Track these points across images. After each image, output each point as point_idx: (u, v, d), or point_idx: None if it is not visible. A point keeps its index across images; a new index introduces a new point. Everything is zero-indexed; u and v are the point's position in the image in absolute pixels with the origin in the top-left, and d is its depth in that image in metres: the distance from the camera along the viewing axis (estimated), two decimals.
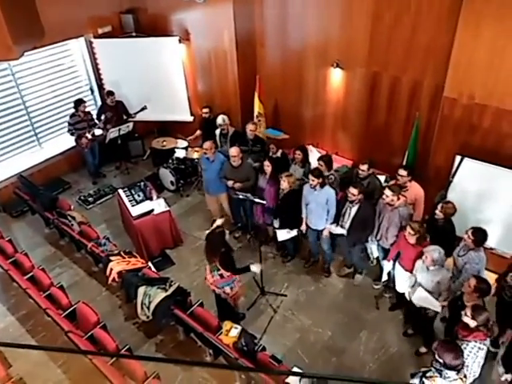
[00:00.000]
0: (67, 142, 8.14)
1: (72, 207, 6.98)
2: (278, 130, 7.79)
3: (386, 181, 6.21)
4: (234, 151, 6.00)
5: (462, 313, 3.84)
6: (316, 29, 6.65)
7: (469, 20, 4.96)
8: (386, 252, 5.42)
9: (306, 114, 7.47)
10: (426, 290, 4.59)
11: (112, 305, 5.87)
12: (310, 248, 6.23)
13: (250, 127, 6.62)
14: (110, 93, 7.91)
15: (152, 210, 6.34)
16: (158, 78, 8.22)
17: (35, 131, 8.08)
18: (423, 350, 5.06)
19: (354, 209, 5.33)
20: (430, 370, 3.60)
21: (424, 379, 3.64)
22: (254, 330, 5.22)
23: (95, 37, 8.13)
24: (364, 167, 5.57)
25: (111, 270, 5.50)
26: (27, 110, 7.85)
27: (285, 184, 5.58)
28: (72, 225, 6.40)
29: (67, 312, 5.06)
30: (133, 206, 6.46)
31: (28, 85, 7.74)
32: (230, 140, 6.98)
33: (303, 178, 6.00)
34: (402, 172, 5.33)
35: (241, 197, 5.70)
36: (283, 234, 5.90)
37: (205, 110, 7.52)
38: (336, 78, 6.74)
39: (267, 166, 5.85)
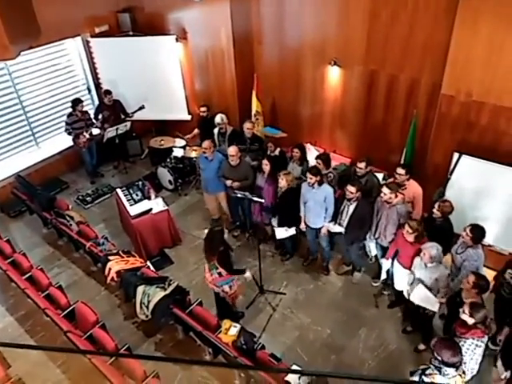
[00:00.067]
0: (65, 141, 8.12)
1: (70, 207, 6.97)
2: (276, 128, 7.79)
3: (384, 178, 6.22)
4: (232, 150, 5.99)
5: (460, 310, 3.85)
6: (313, 27, 6.64)
7: (466, 17, 4.97)
8: (384, 250, 5.43)
9: (303, 112, 7.47)
10: (425, 286, 4.60)
11: (111, 304, 5.86)
12: (309, 246, 6.23)
13: (247, 125, 6.62)
14: (108, 92, 7.89)
15: (150, 210, 6.33)
16: (155, 76, 8.20)
17: (32, 131, 8.06)
18: (422, 347, 5.07)
19: (352, 207, 5.33)
20: (429, 368, 3.61)
21: (423, 377, 3.65)
22: (253, 328, 5.23)
23: (92, 36, 8.10)
24: (362, 165, 5.58)
25: (110, 269, 5.49)
26: (24, 109, 7.82)
27: (283, 182, 5.58)
28: (70, 225, 6.40)
29: (66, 312, 5.06)
30: (131, 205, 6.45)
31: (25, 84, 7.72)
32: (228, 139, 6.98)
33: (301, 176, 6.01)
34: (400, 171, 5.34)
35: (239, 195, 5.70)
36: (281, 232, 5.91)
37: (202, 109, 7.51)
38: (333, 76, 6.74)
39: (265, 165, 5.85)
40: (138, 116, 8.11)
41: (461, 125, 5.51)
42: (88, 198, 7.77)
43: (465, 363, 3.73)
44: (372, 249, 5.69)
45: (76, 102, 7.56)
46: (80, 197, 7.83)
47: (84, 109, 7.81)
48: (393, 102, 6.33)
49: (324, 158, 5.92)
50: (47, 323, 5.22)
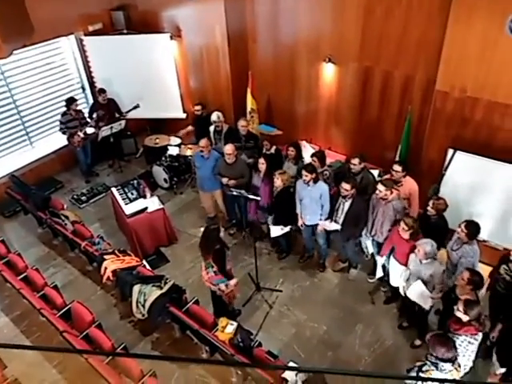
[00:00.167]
0: (59, 140, 8.08)
1: (65, 206, 6.95)
2: (271, 125, 7.79)
3: (379, 175, 6.23)
4: (229, 149, 5.98)
5: (455, 307, 3.86)
6: (308, 24, 6.64)
7: (460, 13, 4.98)
8: (380, 246, 5.43)
9: (298, 109, 7.47)
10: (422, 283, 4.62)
11: (107, 304, 5.85)
12: (305, 243, 6.24)
13: (241, 123, 6.61)
14: (102, 90, 7.85)
15: (146, 208, 6.32)
16: (149, 75, 8.17)
17: (26, 130, 8.01)
18: (418, 342, 5.09)
19: (347, 204, 5.34)
20: (426, 364, 3.63)
21: (420, 374, 3.67)
22: (249, 326, 5.24)
23: (86, 34, 8.06)
24: (355, 161, 5.58)
25: (105, 268, 5.48)
26: (18, 109, 7.77)
27: (278, 182, 5.57)
28: (65, 224, 6.37)
29: (62, 312, 5.04)
30: (126, 204, 6.43)
31: (18, 83, 7.66)
32: (224, 137, 6.95)
33: (297, 176, 5.99)
34: (397, 167, 5.35)
35: (235, 193, 5.70)
36: (277, 231, 5.91)
37: (197, 108, 7.49)
38: (328, 73, 6.74)
39: (262, 164, 5.84)
40: (132, 114, 8.08)
41: (455, 121, 5.53)
42: (83, 198, 7.74)
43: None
44: (368, 246, 5.70)
45: (70, 101, 7.52)
46: (75, 196, 7.80)
47: (78, 108, 7.76)
48: (387, 98, 6.34)
49: (319, 155, 5.92)
50: (43, 323, 5.20)
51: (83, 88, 8.61)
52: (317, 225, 5.69)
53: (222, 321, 4.73)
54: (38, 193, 6.93)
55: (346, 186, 5.16)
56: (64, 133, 7.68)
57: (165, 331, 5.36)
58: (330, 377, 4.62)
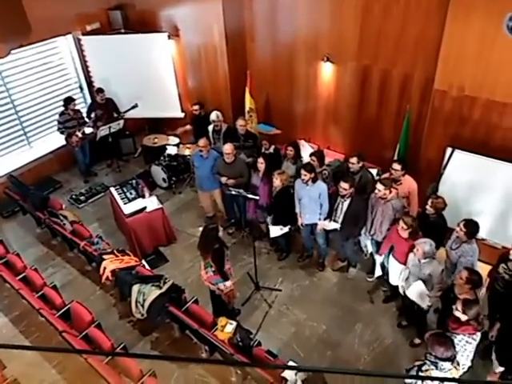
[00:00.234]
0: (57, 140, 8.07)
1: (64, 206, 6.93)
2: (270, 125, 7.78)
3: (377, 174, 6.24)
4: (228, 148, 5.97)
5: (453, 307, 3.85)
6: (306, 22, 6.64)
7: (458, 12, 4.98)
8: (379, 245, 5.43)
9: (297, 108, 7.47)
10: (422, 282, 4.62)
11: (106, 303, 5.85)
12: (304, 243, 6.24)
13: (240, 123, 6.60)
14: (100, 90, 7.84)
15: (144, 208, 6.31)
16: (147, 74, 8.16)
17: (24, 130, 7.99)
18: (417, 341, 5.10)
19: (346, 203, 5.34)
20: (425, 364, 3.63)
21: (420, 373, 3.67)
22: (249, 325, 5.24)
23: (83, 34, 8.04)
24: (353, 160, 5.58)
25: (104, 268, 5.47)
26: (16, 108, 7.75)
27: (277, 182, 5.57)
28: (64, 224, 6.36)
29: (61, 312, 5.03)
30: (125, 204, 6.42)
31: (16, 83, 7.64)
32: (223, 136, 6.94)
33: (296, 175, 5.98)
34: (396, 166, 5.35)
35: (233, 193, 5.69)
36: (276, 231, 5.90)
37: (195, 107, 7.48)
38: (327, 71, 6.74)
39: (261, 163, 5.83)
40: (130, 114, 8.06)
41: (453, 120, 5.53)
42: (81, 198, 7.73)
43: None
44: (368, 246, 5.71)
45: (68, 101, 7.51)
46: (73, 196, 7.78)
47: (76, 107, 7.74)
48: (386, 97, 6.34)
49: (318, 155, 5.92)
50: (42, 323, 5.20)
51: (81, 88, 8.59)
52: (316, 224, 5.69)
53: (222, 320, 4.73)
54: (36, 193, 6.91)
55: (344, 185, 5.16)
56: (62, 133, 7.66)
57: (164, 331, 5.36)
58: (329, 376, 4.62)
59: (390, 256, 5.14)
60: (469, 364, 3.88)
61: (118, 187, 6.73)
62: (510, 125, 5.16)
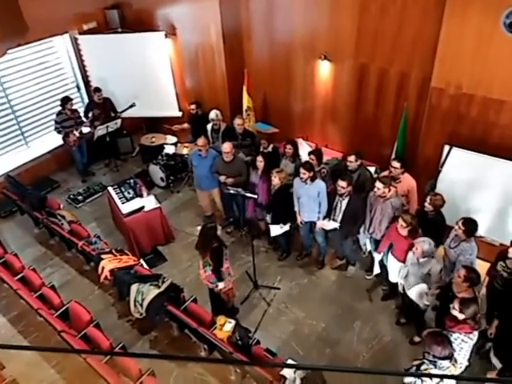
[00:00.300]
0: (55, 140, 8.05)
1: (61, 206, 6.92)
2: (268, 123, 7.77)
3: (376, 172, 6.25)
4: (226, 147, 5.97)
5: (451, 306, 3.85)
6: (303, 21, 6.63)
7: (455, 7, 4.98)
8: (377, 243, 5.43)
9: (295, 107, 7.47)
10: (418, 282, 4.63)
11: (105, 303, 5.84)
12: (302, 241, 6.24)
13: (237, 122, 6.59)
14: (97, 89, 7.82)
15: (143, 207, 6.30)
16: (145, 73, 8.15)
17: (21, 130, 7.97)
18: (417, 339, 5.09)
19: (345, 202, 5.34)
20: (423, 363, 3.63)
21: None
22: (248, 323, 5.24)
23: (80, 33, 8.02)
24: (351, 158, 5.59)
25: (103, 268, 5.47)
26: (12, 108, 7.73)
27: (276, 180, 5.57)
28: (62, 224, 6.35)
29: (60, 312, 5.03)
30: (123, 203, 6.41)
31: (13, 83, 7.62)
32: (222, 135, 6.93)
33: (294, 174, 5.98)
34: (396, 164, 5.35)
35: (232, 192, 5.69)
36: (276, 229, 5.90)
37: (192, 107, 7.47)
38: (324, 70, 6.74)
39: (260, 162, 5.83)
40: (128, 113, 8.05)
41: (451, 117, 5.54)
42: (79, 197, 7.72)
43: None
44: (367, 243, 5.72)
45: (65, 101, 7.50)
46: (71, 196, 7.77)
47: (74, 107, 7.73)
48: (383, 95, 6.34)
49: (317, 153, 5.93)
50: (41, 323, 5.19)
51: (78, 87, 8.57)
52: (314, 222, 5.69)
53: (221, 319, 4.73)
54: (34, 193, 6.90)
55: (342, 183, 5.16)
56: (59, 132, 7.65)
57: (163, 330, 5.36)
58: (328, 373, 4.63)
59: (389, 254, 5.14)
60: (466, 363, 3.88)
61: (115, 187, 6.73)
62: (507, 122, 5.17)
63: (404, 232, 4.74)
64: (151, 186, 7.72)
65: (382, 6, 5.76)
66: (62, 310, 5.04)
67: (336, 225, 5.51)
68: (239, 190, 5.63)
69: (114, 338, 4.75)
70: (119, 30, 8.26)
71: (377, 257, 5.38)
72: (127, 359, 4.32)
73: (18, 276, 5.54)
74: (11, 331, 5.49)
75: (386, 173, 5.59)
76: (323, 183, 5.50)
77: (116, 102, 8.11)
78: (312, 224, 5.77)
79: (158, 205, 6.46)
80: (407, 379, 3.74)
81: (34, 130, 8.14)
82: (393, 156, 6.11)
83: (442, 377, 3.48)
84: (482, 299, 4.67)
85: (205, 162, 6.28)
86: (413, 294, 4.73)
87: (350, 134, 6.97)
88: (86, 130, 7.93)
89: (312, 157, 5.82)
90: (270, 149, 6.65)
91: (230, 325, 4.66)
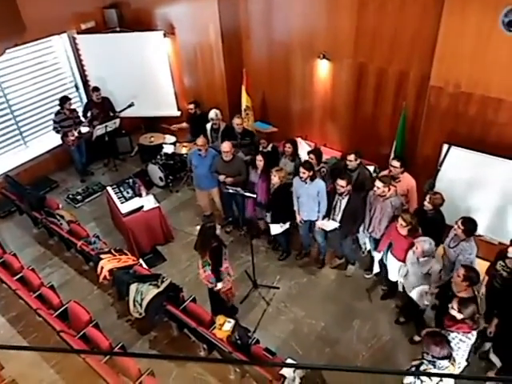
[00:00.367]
0: (53, 140, 8.03)
1: (60, 206, 6.91)
2: (267, 123, 7.77)
3: (374, 171, 6.25)
4: (226, 146, 5.96)
5: (449, 305, 3.85)
6: (302, 20, 6.62)
7: (454, 5, 4.97)
8: (377, 242, 5.43)
9: (293, 106, 7.46)
10: (417, 282, 4.63)
11: (104, 303, 5.84)
12: (301, 240, 6.24)
13: (236, 121, 6.58)
14: (96, 89, 7.81)
15: (142, 207, 6.30)
16: (143, 73, 8.13)
17: (20, 130, 7.95)
18: (417, 338, 5.08)
19: (344, 201, 5.33)
20: (422, 363, 3.63)
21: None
22: (247, 323, 5.25)
23: (78, 33, 8.00)
24: (351, 157, 5.59)
25: (102, 268, 5.46)
26: (11, 108, 7.71)
27: (275, 179, 5.57)
28: (61, 224, 6.34)
29: (59, 312, 5.02)
30: (122, 203, 6.41)
31: (11, 83, 7.60)
32: (221, 135, 6.92)
33: (294, 173, 5.97)
34: (395, 163, 5.35)
35: (230, 191, 5.69)
36: (276, 228, 5.90)
37: (190, 106, 7.46)
38: (323, 69, 6.74)
39: (259, 161, 5.83)
40: (127, 113, 8.04)
41: (450, 116, 5.54)
42: (78, 197, 7.71)
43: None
44: (366, 242, 5.71)
45: (64, 100, 7.47)
46: (70, 196, 7.76)
47: (72, 107, 7.71)
48: (382, 94, 6.34)
49: (317, 153, 5.92)
50: (40, 323, 5.19)
51: (77, 87, 8.56)
52: (314, 221, 5.69)
53: (220, 318, 4.73)
54: (32, 193, 6.89)
55: (341, 182, 5.16)
56: (58, 132, 7.64)
57: (162, 330, 5.35)
58: (327, 373, 4.64)
59: (389, 253, 5.14)
60: (464, 363, 3.87)
61: (114, 186, 6.72)
62: (506, 121, 5.17)
63: (404, 231, 4.73)
64: (150, 186, 7.71)
65: (381, 5, 5.75)
66: (61, 310, 5.04)
67: (336, 225, 5.51)
68: (238, 189, 5.63)
69: (113, 338, 4.75)
70: (117, 29, 8.24)
71: (376, 256, 5.38)
72: (126, 359, 4.32)
73: (17, 276, 5.53)
74: (10, 331, 5.49)
75: (385, 172, 5.59)
76: (323, 183, 5.49)
77: (115, 102, 8.10)
78: (311, 223, 5.77)
79: (157, 204, 6.45)
80: (407, 380, 3.74)
81: (33, 129, 8.13)
82: (392, 155, 6.11)
83: (441, 376, 3.49)
84: (482, 298, 4.66)
85: (204, 162, 6.27)
86: (414, 294, 4.73)
87: (349, 134, 6.97)
88: (84, 129, 7.91)
89: (311, 156, 5.82)
90: (269, 148, 6.64)
91: (229, 324, 4.66)
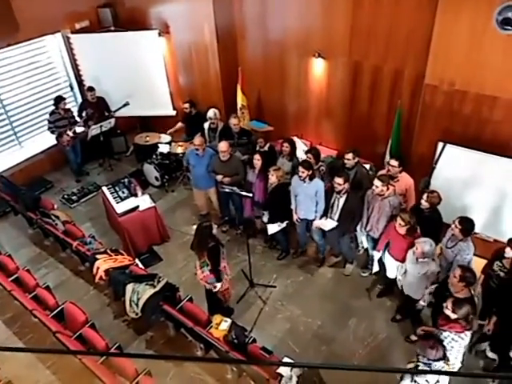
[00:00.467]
0: (48, 140, 8.00)
1: (55, 206, 6.88)
2: (262, 122, 7.77)
3: (370, 169, 6.25)
4: (223, 146, 5.94)
5: (444, 305, 3.85)
6: (296, 19, 6.62)
7: (448, 3, 4.98)
8: (375, 241, 5.43)
9: (289, 105, 7.46)
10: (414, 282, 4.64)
11: (100, 303, 5.82)
12: (298, 239, 6.24)
13: (233, 122, 6.54)
14: (90, 88, 7.78)
15: (137, 207, 6.28)
16: (138, 72, 8.11)
17: (14, 130, 7.91)
18: (414, 337, 5.06)
19: (342, 200, 5.33)
20: (418, 366, 3.63)
21: (415, 377, 3.68)
22: (244, 322, 5.24)
23: (72, 32, 7.96)
24: (349, 156, 5.59)
25: (98, 268, 5.44)
26: (5, 108, 7.67)
27: (273, 178, 5.56)
28: (56, 224, 6.32)
29: (55, 312, 5.00)
30: (118, 203, 6.39)
31: (5, 83, 7.55)
32: (219, 135, 6.90)
33: (291, 172, 5.96)
34: (394, 162, 5.35)
35: (227, 190, 5.68)
36: (274, 228, 5.89)
37: (185, 106, 7.44)
38: (318, 68, 6.74)
39: (257, 160, 5.81)
40: (122, 112, 8.02)
41: (444, 114, 5.56)
42: (73, 197, 7.68)
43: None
44: (363, 242, 5.72)
45: (58, 100, 7.45)
46: (65, 196, 7.73)
47: (67, 106, 7.68)
48: (377, 93, 6.35)
49: (315, 152, 5.92)
50: (36, 324, 5.16)
51: (71, 87, 8.52)
52: (311, 220, 5.69)
53: (216, 318, 4.73)
54: (27, 193, 6.86)
55: (338, 180, 5.15)
56: (53, 132, 7.60)
57: (159, 330, 5.34)
58: (324, 371, 4.63)
59: (386, 252, 5.14)
60: (459, 364, 3.86)
61: (110, 186, 6.70)
62: (500, 118, 5.19)
63: (402, 231, 4.72)
64: (146, 186, 7.69)
65: (376, 3, 5.76)
66: (57, 310, 5.02)
67: (334, 224, 5.50)
68: (234, 188, 5.62)
69: (109, 339, 4.73)
70: (112, 28, 8.22)
71: (376, 255, 5.37)
72: (123, 359, 4.31)
73: (13, 277, 5.50)
74: (6, 333, 5.46)
75: (383, 171, 5.57)
76: (321, 182, 5.49)
77: (109, 101, 8.07)
78: (308, 222, 5.77)
79: (153, 204, 6.44)
80: (403, 383, 3.75)
81: (27, 129, 8.08)
82: (387, 153, 6.12)
83: (437, 373, 3.50)
84: (478, 297, 4.67)
85: (202, 161, 6.25)
86: (409, 290, 4.74)
87: (344, 132, 6.98)
88: (79, 129, 7.88)
89: (309, 155, 5.81)
90: (266, 148, 6.63)
91: (225, 323, 4.67)
